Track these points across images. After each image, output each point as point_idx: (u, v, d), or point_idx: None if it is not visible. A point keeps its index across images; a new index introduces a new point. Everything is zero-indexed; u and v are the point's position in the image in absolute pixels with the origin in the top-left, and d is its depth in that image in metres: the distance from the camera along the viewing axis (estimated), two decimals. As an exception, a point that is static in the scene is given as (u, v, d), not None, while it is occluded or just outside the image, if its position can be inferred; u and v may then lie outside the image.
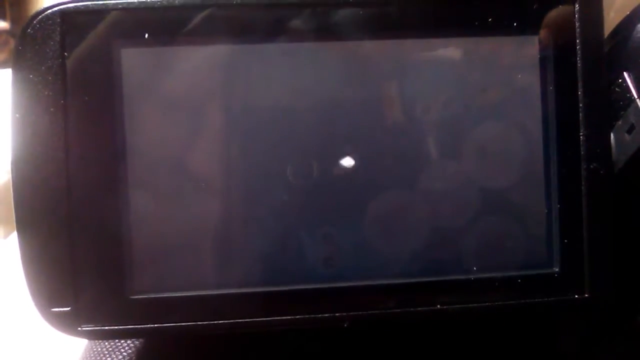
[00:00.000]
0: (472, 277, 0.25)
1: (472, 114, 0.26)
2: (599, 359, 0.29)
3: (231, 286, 0.25)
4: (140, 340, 0.29)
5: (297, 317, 0.25)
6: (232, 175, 0.25)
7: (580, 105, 0.25)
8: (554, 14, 0.25)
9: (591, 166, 0.25)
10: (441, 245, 0.26)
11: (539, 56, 0.25)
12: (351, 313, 0.25)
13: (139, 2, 0.24)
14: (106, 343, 0.29)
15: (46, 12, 0.24)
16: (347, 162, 0.25)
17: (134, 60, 0.24)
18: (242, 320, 0.25)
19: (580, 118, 0.25)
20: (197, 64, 0.25)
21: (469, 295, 0.25)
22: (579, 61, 0.25)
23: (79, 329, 0.24)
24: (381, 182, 0.25)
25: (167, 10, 0.24)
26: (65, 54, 0.24)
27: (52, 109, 0.24)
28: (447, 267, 0.26)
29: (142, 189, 0.25)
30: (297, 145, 0.25)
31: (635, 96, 0.25)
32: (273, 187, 0.25)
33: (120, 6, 0.24)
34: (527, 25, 0.25)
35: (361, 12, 0.25)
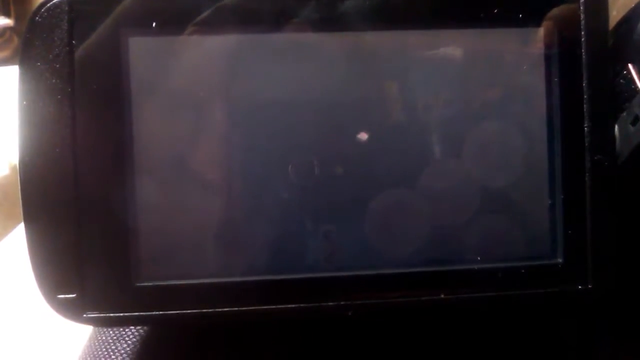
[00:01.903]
0: (476, 267, 0.26)
1: (476, 106, 0.26)
2: (601, 351, 0.29)
3: (235, 275, 0.25)
4: (145, 328, 0.29)
5: (302, 305, 0.25)
6: (236, 168, 0.25)
7: (585, 97, 0.25)
8: (559, 6, 0.25)
9: (595, 157, 0.25)
10: (446, 236, 0.26)
11: (544, 48, 0.26)
12: (356, 302, 0.25)
13: (146, -9, 0.24)
14: (111, 331, 0.29)
15: (54, 1, 0.24)
16: (349, 156, 0.25)
17: (141, 49, 0.24)
18: (247, 308, 0.25)
19: (585, 110, 0.25)
20: (204, 54, 0.25)
21: (473, 285, 0.26)
22: (583, 53, 0.25)
23: (85, 315, 0.25)
24: (386, 174, 0.26)
25: (175, -1, 0.24)
26: (73, 42, 0.24)
27: (59, 97, 0.24)
28: (452, 258, 0.26)
29: (148, 177, 0.25)
30: (299, 138, 0.25)
31: (640, 88, 0.25)
32: (276, 178, 0.25)
33: (127, -5, 0.24)
34: (532, 18, 0.25)
35: (366, 3, 0.25)
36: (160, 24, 0.24)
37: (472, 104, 0.26)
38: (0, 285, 0.39)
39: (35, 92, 0.24)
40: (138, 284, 0.25)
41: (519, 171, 0.26)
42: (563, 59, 0.25)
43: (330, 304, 0.25)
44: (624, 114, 0.25)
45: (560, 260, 0.26)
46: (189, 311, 0.25)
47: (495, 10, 0.25)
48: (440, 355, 0.28)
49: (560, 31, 0.25)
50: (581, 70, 0.25)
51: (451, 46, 0.26)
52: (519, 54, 0.26)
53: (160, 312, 0.25)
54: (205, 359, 0.28)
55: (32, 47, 0.24)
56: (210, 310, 0.25)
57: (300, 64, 0.25)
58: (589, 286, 0.26)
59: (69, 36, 0.24)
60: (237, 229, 0.25)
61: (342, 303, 0.25)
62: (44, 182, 0.24)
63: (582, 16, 0.25)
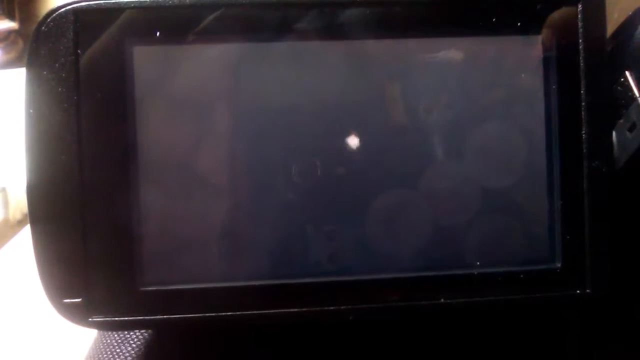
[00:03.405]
0: (475, 272, 0.26)
1: (475, 113, 0.26)
2: (601, 355, 0.29)
3: (238, 279, 0.26)
4: (149, 332, 0.30)
5: (303, 309, 0.25)
6: (239, 172, 0.26)
7: (583, 104, 0.26)
8: (557, 13, 0.26)
9: (593, 164, 0.26)
10: (445, 240, 0.26)
11: (542, 56, 0.26)
12: (356, 306, 0.25)
13: (150, 0, 0.25)
14: (115, 335, 0.30)
15: (60, 11, 0.25)
16: (351, 160, 0.26)
17: (145, 58, 0.25)
18: (249, 312, 0.25)
19: (583, 117, 0.26)
20: (207, 62, 0.25)
21: (472, 289, 0.26)
22: (581, 60, 0.26)
23: (90, 320, 0.25)
24: (385, 179, 0.26)
25: (179, 9, 0.25)
26: (79, 51, 0.25)
27: (65, 106, 0.25)
28: (451, 262, 0.26)
29: (152, 183, 0.25)
30: (302, 143, 0.26)
31: (637, 95, 0.25)
32: (279, 184, 0.26)
33: (132, 5, 0.25)
34: (531, 25, 0.26)
35: (367, 12, 0.25)
36: (165, 32, 0.25)
37: (471, 111, 0.26)
38: (7, 288, 0.39)
39: (41, 101, 0.25)
40: (142, 289, 0.25)
41: (517, 177, 0.26)
42: (561, 66, 0.26)
43: (332, 308, 0.25)
44: (622, 120, 0.26)
45: (558, 265, 0.26)
46: (192, 315, 0.25)
47: (494, 19, 0.26)
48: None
49: (558, 38, 0.26)
50: (579, 77, 0.26)
51: (450, 54, 0.26)
52: (517, 61, 0.26)
53: (164, 316, 0.25)
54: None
55: (38, 56, 0.25)
56: (213, 314, 0.25)
57: (303, 71, 0.26)
58: (587, 291, 0.26)
59: (74, 45, 0.25)
60: (240, 233, 0.26)
61: (343, 307, 0.25)
62: (50, 189, 0.25)
63: (580, 24, 0.26)
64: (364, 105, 0.26)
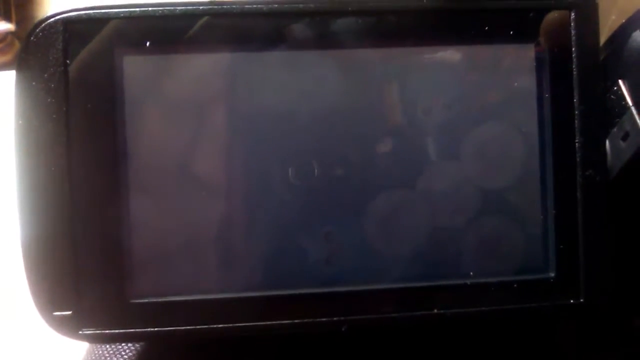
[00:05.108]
0: (468, 281, 0.26)
1: (469, 121, 0.26)
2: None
3: (231, 290, 0.25)
4: (141, 344, 0.29)
5: (296, 321, 0.25)
6: (232, 182, 0.25)
7: (576, 112, 0.25)
8: (550, 22, 0.26)
9: (587, 173, 0.25)
10: (438, 250, 0.26)
11: (535, 64, 0.26)
12: (349, 317, 0.25)
13: (140, 10, 0.25)
14: (107, 346, 0.30)
15: (49, 20, 0.24)
16: (347, 165, 0.26)
17: (135, 68, 0.25)
18: (241, 324, 0.25)
19: (576, 125, 0.25)
20: (197, 72, 0.25)
21: (465, 299, 0.26)
22: (574, 69, 0.25)
23: (80, 332, 0.25)
24: (380, 187, 0.26)
25: (169, 18, 0.25)
26: (68, 61, 0.24)
27: (54, 116, 0.24)
28: (444, 272, 0.26)
29: (143, 194, 0.25)
30: (297, 149, 0.25)
31: (630, 104, 0.25)
32: (274, 191, 0.25)
33: (122, 15, 0.24)
34: (524, 34, 0.26)
35: (360, 21, 0.25)
36: (155, 42, 0.25)
37: (466, 120, 0.26)
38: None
39: (30, 111, 0.24)
40: (133, 301, 0.25)
41: (511, 186, 0.26)
42: (554, 75, 0.26)
43: (324, 319, 0.25)
44: (615, 129, 0.26)
45: (552, 274, 0.26)
46: (183, 327, 0.25)
47: (486, 27, 0.25)
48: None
49: (551, 47, 0.26)
50: (572, 86, 0.25)
51: (444, 63, 0.26)
52: (511, 70, 0.26)
53: (155, 329, 0.25)
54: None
55: (27, 66, 0.24)
56: (204, 326, 0.25)
57: (295, 80, 0.25)
58: (581, 300, 0.26)
59: (63, 55, 0.24)
60: (232, 245, 0.26)
61: (335, 319, 0.25)
62: (40, 201, 0.24)
63: (573, 32, 0.26)
64: (359, 113, 0.26)
